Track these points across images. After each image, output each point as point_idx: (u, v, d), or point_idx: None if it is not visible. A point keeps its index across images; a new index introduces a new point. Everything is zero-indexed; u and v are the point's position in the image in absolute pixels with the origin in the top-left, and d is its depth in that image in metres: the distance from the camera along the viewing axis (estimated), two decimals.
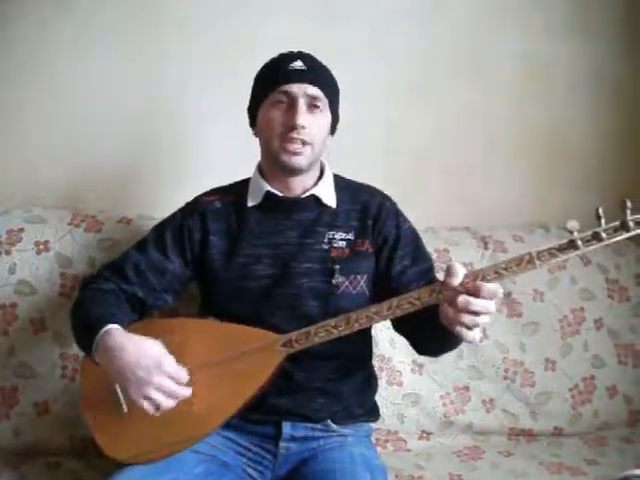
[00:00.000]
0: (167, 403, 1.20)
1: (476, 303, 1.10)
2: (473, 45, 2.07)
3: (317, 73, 1.39)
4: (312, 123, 1.35)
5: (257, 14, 1.94)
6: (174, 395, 1.21)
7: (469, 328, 1.12)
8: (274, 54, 1.43)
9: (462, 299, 1.11)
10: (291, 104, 1.35)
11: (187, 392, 1.22)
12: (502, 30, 2.07)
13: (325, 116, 1.39)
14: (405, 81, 2.03)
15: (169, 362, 1.21)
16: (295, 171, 1.38)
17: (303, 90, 1.35)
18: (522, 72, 2.10)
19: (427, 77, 2.05)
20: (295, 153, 1.35)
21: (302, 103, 1.34)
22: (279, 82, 1.36)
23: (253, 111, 1.44)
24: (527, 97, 2.11)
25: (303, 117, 1.34)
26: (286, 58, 1.39)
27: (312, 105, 1.36)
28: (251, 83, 1.44)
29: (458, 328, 1.13)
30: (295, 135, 1.34)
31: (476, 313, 1.11)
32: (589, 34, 2.12)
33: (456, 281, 1.12)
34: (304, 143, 1.35)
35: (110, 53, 1.90)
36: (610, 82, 2.15)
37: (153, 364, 1.19)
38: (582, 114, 2.14)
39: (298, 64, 1.36)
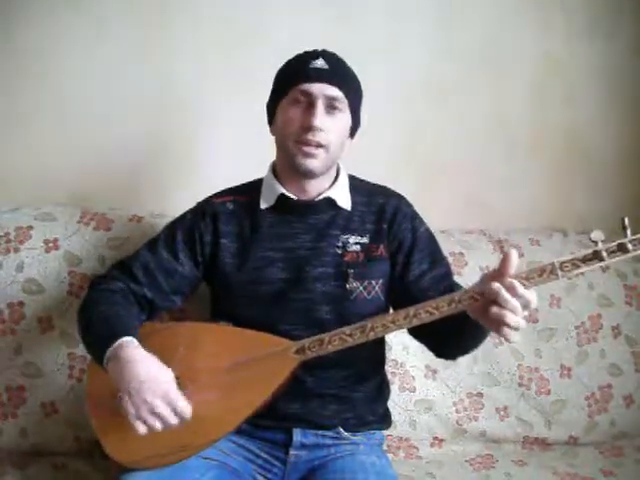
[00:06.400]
0: (158, 427, 1.15)
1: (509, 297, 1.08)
2: (492, 46, 2.02)
3: (338, 73, 1.34)
4: (330, 125, 1.31)
5: (272, 13, 1.91)
6: (167, 423, 1.16)
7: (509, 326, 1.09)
8: (288, 53, 1.39)
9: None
10: (309, 104, 1.31)
11: (179, 419, 1.17)
12: (521, 30, 2.03)
13: (344, 118, 1.35)
14: (422, 82, 2.00)
15: (175, 392, 1.17)
16: (309, 174, 1.34)
17: (322, 90, 1.30)
18: (541, 73, 2.06)
19: (444, 78, 2.01)
20: (309, 155, 1.31)
21: (320, 104, 1.30)
22: (298, 80, 1.31)
23: (271, 108, 1.40)
24: (546, 99, 2.07)
25: (320, 119, 1.29)
26: (308, 56, 1.35)
27: (330, 106, 1.31)
28: (265, 82, 1.41)
29: (505, 329, 1.10)
30: (310, 137, 1.29)
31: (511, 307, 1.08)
32: (610, 35, 2.08)
33: (512, 269, 1.10)
34: (319, 146, 1.31)
35: (122, 52, 1.88)
36: (630, 84, 2.10)
37: (160, 390, 1.15)
38: (602, 117, 2.10)
39: (319, 63, 1.32)
